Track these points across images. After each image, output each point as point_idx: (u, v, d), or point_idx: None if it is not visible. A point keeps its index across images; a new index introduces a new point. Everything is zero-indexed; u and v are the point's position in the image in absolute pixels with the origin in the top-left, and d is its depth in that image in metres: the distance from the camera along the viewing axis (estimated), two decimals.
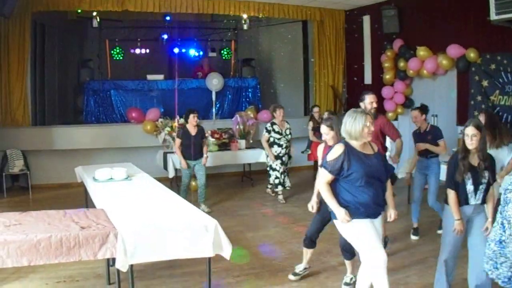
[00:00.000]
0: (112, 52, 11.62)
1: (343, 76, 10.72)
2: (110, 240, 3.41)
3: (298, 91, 11.43)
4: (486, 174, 3.62)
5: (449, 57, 7.77)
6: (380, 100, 8.52)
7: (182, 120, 8.49)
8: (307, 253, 4.58)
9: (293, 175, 8.21)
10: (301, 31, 11.29)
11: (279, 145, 7.44)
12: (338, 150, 3.47)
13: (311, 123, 8.48)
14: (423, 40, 8.26)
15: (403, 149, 5.33)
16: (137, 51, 12.43)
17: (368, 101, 4.95)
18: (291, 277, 4.54)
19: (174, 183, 7.98)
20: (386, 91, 9.11)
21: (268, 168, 7.62)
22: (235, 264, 4.77)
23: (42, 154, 8.42)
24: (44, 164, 8.43)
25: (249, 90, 11.11)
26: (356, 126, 3.43)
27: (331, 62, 10.53)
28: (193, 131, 6.85)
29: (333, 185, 3.54)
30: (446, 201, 3.79)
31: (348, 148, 3.46)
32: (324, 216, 4.23)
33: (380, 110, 6.62)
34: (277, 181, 7.53)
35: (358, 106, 5.33)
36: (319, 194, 4.09)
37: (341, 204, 3.49)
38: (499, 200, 3.36)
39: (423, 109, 5.71)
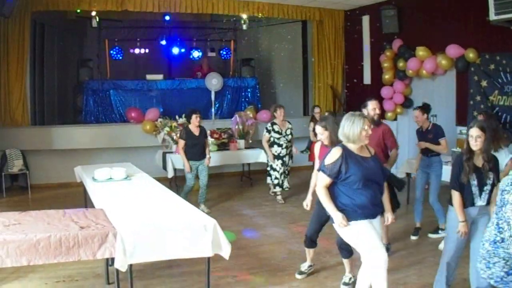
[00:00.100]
0: (111, 52, 11.62)
1: (343, 76, 10.72)
2: (109, 240, 3.41)
3: (298, 91, 11.44)
4: (491, 175, 3.63)
5: (448, 57, 7.77)
6: (379, 100, 8.53)
7: (181, 120, 8.52)
8: (309, 252, 4.64)
9: (293, 175, 8.21)
10: (300, 31, 11.29)
11: (279, 145, 7.44)
12: (335, 153, 3.49)
13: (312, 124, 8.48)
14: (422, 40, 8.26)
15: (403, 149, 5.34)
16: (137, 51, 12.45)
17: (371, 107, 4.98)
18: (297, 276, 4.60)
19: (173, 183, 7.98)
20: (385, 91, 9.11)
21: (268, 168, 7.64)
22: (234, 264, 4.78)
23: (42, 154, 8.41)
24: (43, 163, 8.42)
25: (249, 90, 11.12)
26: (354, 130, 3.45)
27: (330, 62, 10.53)
28: (196, 131, 6.85)
29: (331, 189, 3.56)
30: (450, 203, 3.79)
31: (346, 152, 3.49)
32: (321, 216, 4.26)
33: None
34: (276, 181, 7.53)
35: (358, 106, 5.35)
36: (314, 193, 4.17)
37: (339, 207, 3.51)
38: None
39: (425, 108, 5.72)
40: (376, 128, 4.89)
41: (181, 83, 10.56)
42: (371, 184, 3.49)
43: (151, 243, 3.50)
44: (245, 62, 11.98)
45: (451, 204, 3.76)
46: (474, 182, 3.62)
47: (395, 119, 9.22)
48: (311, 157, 8.71)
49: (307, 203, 4.54)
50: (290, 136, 7.49)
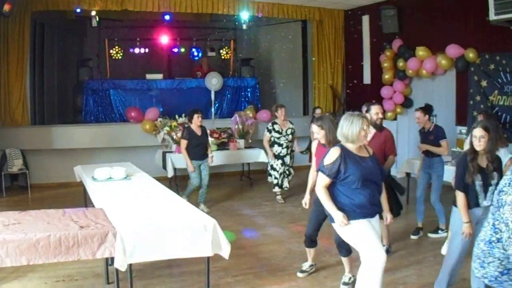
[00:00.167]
0: (111, 51, 11.62)
1: (343, 76, 10.72)
2: (109, 239, 3.41)
3: (297, 91, 11.43)
4: (495, 175, 3.63)
5: (448, 57, 7.77)
6: (379, 100, 8.54)
7: (181, 120, 8.52)
8: (310, 252, 4.65)
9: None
10: (300, 31, 11.28)
11: (279, 145, 7.45)
12: (334, 153, 3.51)
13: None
14: (422, 40, 8.26)
15: (403, 149, 5.34)
16: (136, 50, 12.44)
17: (374, 111, 4.99)
18: (299, 274, 4.62)
19: (173, 183, 7.98)
20: (385, 91, 9.11)
21: (269, 168, 7.64)
22: (234, 264, 4.78)
23: (41, 154, 8.41)
24: (43, 163, 8.42)
25: (248, 89, 11.11)
26: (353, 129, 3.47)
27: (330, 62, 10.53)
28: (198, 131, 6.87)
29: (330, 189, 3.58)
30: (454, 204, 3.78)
31: (344, 151, 3.51)
32: (319, 215, 4.29)
33: None
34: (275, 181, 7.53)
35: (358, 106, 5.35)
36: (312, 191, 4.29)
37: (338, 207, 3.52)
38: None
39: (426, 109, 5.73)
40: (379, 134, 4.92)
41: (181, 82, 10.55)
42: (369, 183, 3.51)
43: (150, 243, 3.50)
44: (245, 62, 11.98)
45: (456, 205, 3.75)
46: (479, 182, 3.62)
47: (395, 119, 9.22)
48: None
49: (305, 202, 4.60)
50: (291, 136, 7.49)
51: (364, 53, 9.97)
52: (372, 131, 4.94)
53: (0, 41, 8.13)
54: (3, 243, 3.20)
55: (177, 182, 8.06)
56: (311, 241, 4.56)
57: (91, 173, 5.45)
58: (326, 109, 10.12)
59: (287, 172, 7.58)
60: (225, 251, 3.74)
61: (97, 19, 8.96)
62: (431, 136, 5.63)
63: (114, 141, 8.65)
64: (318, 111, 8.83)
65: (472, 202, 3.67)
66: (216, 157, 8.01)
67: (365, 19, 9.85)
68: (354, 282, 4.01)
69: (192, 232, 3.62)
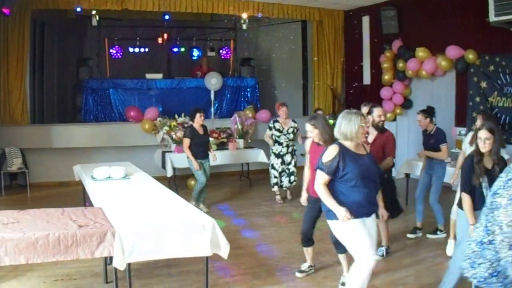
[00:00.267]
0: (111, 50, 11.60)
1: (342, 76, 10.72)
2: (108, 238, 3.41)
3: (297, 91, 11.44)
4: None
5: (448, 58, 7.77)
6: (378, 100, 8.54)
7: (180, 119, 8.52)
8: (307, 252, 4.64)
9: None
10: (300, 31, 11.29)
11: (280, 143, 7.46)
12: (333, 151, 3.53)
13: None
14: (422, 41, 8.27)
15: (402, 150, 5.35)
16: (136, 50, 12.41)
17: (377, 114, 5.00)
18: (297, 274, 4.63)
19: (172, 182, 7.98)
20: (385, 92, 9.11)
21: (269, 168, 7.65)
22: (233, 263, 4.78)
23: (41, 153, 8.41)
24: (42, 162, 8.42)
25: (248, 89, 11.10)
26: (351, 127, 3.50)
27: (330, 63, 10.53)
28: (200, 130, 6.89)
29: (328, 187, 3.59)
30: (460, 206, 3.78)
31: (343, 149, 3.53)
32: (313, 212, 4.33)
33: None
34: (275, 180, 7.53)
35: (357, 107, 5.36)
36: (307, 189, 4.39)
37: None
38: None
39: (428, 112, 5.73)
40: (381, 136, 4.93)
41: (180, 82, 10.55)
42: (367, 181, 3.53)
43: (149, 242, 3.50)
44: (244, 62, 11.96)
45: (462, 208, 3.73)
46: (485, 184, 3.61)
47: (394, 119, 9.23)
48: None
49: (303, 199, 4.61)
50: (292, 135, 7.49)
51: (364, 54, 9.98)
52: (374, 132, 4.95)
53: (0, 40, 8.12)
54: (2, 242, 3.20)
55: (176, 182, 8.06)
56: (307, 239, 4.56)
57: (90, 172, 5.45)
58: (326, 109, 10.11)
59: (286, 171, 7.59)
60: (224, 251, 3.74)
61: (97, 19, 8.95)
62: (432, 139, 5.65)
63: (113, 141, 8.65)
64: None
65: (479, 204, 3.64)
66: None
67: (365, 20, 9.85)
68: None
69: (191, 231, 3.62)
